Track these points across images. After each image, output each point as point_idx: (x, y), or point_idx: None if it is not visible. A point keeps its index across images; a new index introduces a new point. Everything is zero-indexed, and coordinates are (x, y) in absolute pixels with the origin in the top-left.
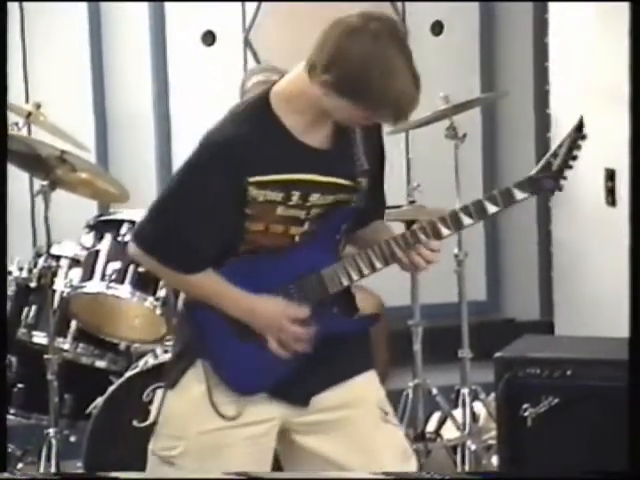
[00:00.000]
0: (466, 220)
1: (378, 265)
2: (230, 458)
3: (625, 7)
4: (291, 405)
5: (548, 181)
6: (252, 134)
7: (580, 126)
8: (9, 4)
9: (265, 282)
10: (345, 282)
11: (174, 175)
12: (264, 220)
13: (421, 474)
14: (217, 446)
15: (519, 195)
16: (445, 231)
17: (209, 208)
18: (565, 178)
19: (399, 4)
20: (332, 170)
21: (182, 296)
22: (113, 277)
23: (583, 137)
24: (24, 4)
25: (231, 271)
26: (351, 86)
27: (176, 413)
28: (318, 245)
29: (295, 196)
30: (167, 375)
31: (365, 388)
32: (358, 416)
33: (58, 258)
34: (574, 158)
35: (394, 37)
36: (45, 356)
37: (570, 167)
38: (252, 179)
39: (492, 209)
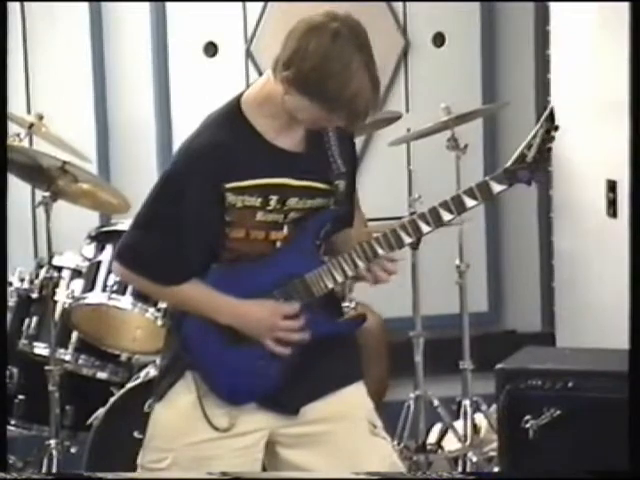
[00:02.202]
0: (446, 215)
1: (362, 266)
2: (218, 469)
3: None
4: (280, 415)
5: (523, 173)
6: (226, 141)
7: (551, 116)
8: (10, 14)
9: (248, 289)
10: (330, 285)
11: (152, 189)
12: (244, 226)
13: (416, 474)
14: (206, 457)
15: (496, 188)
16: (425, 227)
17: (189, 217)
18: (540, 169)
19: (400, 16)
20: (308, 174)
21: (169, 309)
22: (114, 288)
23: (556, 128)
24: (26, 18)
25: (214, 280)
26: (308, 83)
27: (165, 425)
28: (299, 250)
29: (273, 200)
30: (155, 388)
31: (354, 400)
32: (346, 429)
33: (60, 269)
34: (548, 149)
35: (354, 38)
36: (46, 367)
37: (544, 158)
38: (229, 185)
39: (470, 203)
